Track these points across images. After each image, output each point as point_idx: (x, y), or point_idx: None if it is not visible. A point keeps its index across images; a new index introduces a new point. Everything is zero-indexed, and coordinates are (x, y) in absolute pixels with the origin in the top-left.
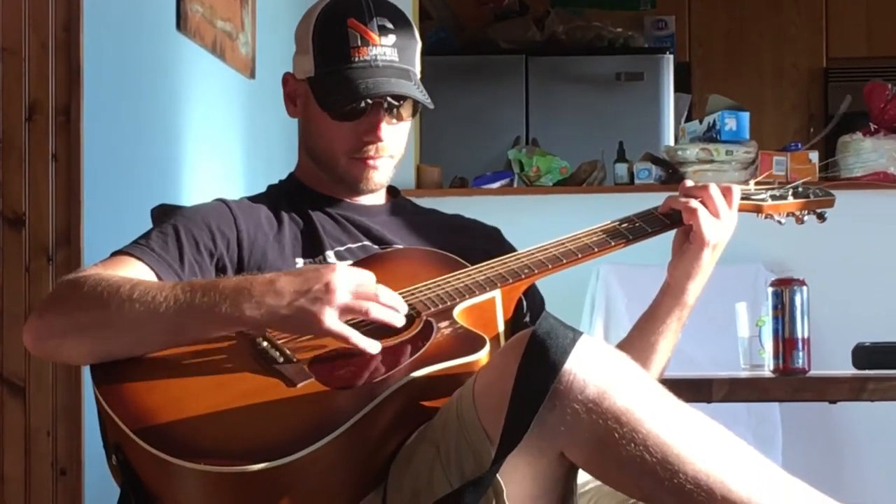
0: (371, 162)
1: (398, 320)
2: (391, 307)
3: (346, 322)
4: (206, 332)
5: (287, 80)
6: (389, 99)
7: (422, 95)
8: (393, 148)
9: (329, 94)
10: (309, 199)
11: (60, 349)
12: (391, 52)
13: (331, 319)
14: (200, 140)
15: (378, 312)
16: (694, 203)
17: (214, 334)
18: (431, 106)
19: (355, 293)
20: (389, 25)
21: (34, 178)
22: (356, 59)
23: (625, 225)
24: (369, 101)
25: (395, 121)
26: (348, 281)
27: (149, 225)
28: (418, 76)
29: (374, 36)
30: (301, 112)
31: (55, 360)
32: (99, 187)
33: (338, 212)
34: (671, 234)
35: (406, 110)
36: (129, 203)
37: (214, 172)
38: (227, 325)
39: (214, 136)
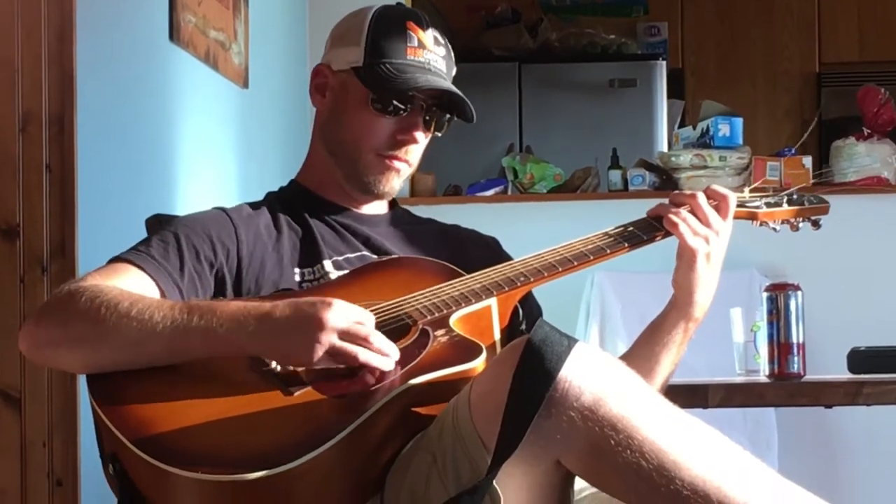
0: (396, 163)
1: (387, 366)
2: (382, 353)
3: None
4: (200, 354)
5: (320, 70)
6: (426, 108)
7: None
8: (415, 156)
9: (382, 80)
10: (310, 207)
11: (55, 358)
12: (441, 63)
13: (318, 357)
14: (194, 150)
15: (367, 357)
16: (675, 217)
17: (208, 356)
18: (473, 120)
19: (346, 333)
20: (442, 40)
21: (28, 189)
22: (411, 57)
23: (620, 232)
24: (409, 102)
25: (424, 130)
26: (341, 320)
27: (143, 235)
28: None
29: (429, 43)
30: (330, 103)
31: (50, 367)
32: (93, 198)
33: (338, 220)
34: (668, 241)
35: (436, 124)
36: (124, 213)
37: (208, 182)
38: (221, 349)
39: (208, 145)
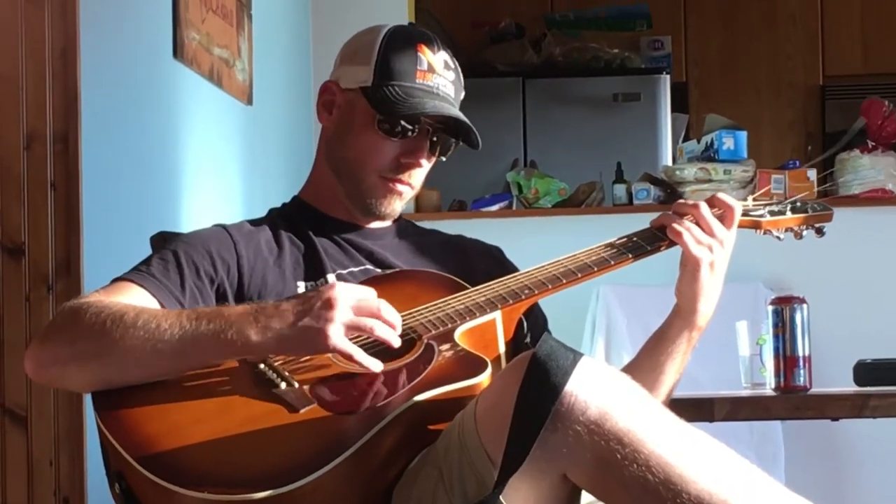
0: (399, 186)
1: (396, 341)
2: (391, 324)
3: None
4: (210, 359)
5: (328, 88)
6: (432, 132)
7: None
8: (418, 180)
9: (390, 103)
10: (312, 222)
11: (62, 377)
12: (450, 87)
13: (336, 336)
14: (199, 167)
15: (381, 331)
16: (679, 227)
17: (219, 362)
18: (479, 147)
19: (357, 308)
20: (452, 64)
21: (33, 206)
22: (420, 81)
23: (624, 243)
24: (416, 125)
25: (429, 155)
26: (349, 296)
27: (148, 252)
28: None
29: (439, 67)
30: (337, 120)
31: (57, 388)
32: (98, 215)
33: (341, 235)
34: (672, 254)
35: (442, 148)
36: (129, 231)
37: (213, 199)
38: (233, 351)
39: (212, 162)
